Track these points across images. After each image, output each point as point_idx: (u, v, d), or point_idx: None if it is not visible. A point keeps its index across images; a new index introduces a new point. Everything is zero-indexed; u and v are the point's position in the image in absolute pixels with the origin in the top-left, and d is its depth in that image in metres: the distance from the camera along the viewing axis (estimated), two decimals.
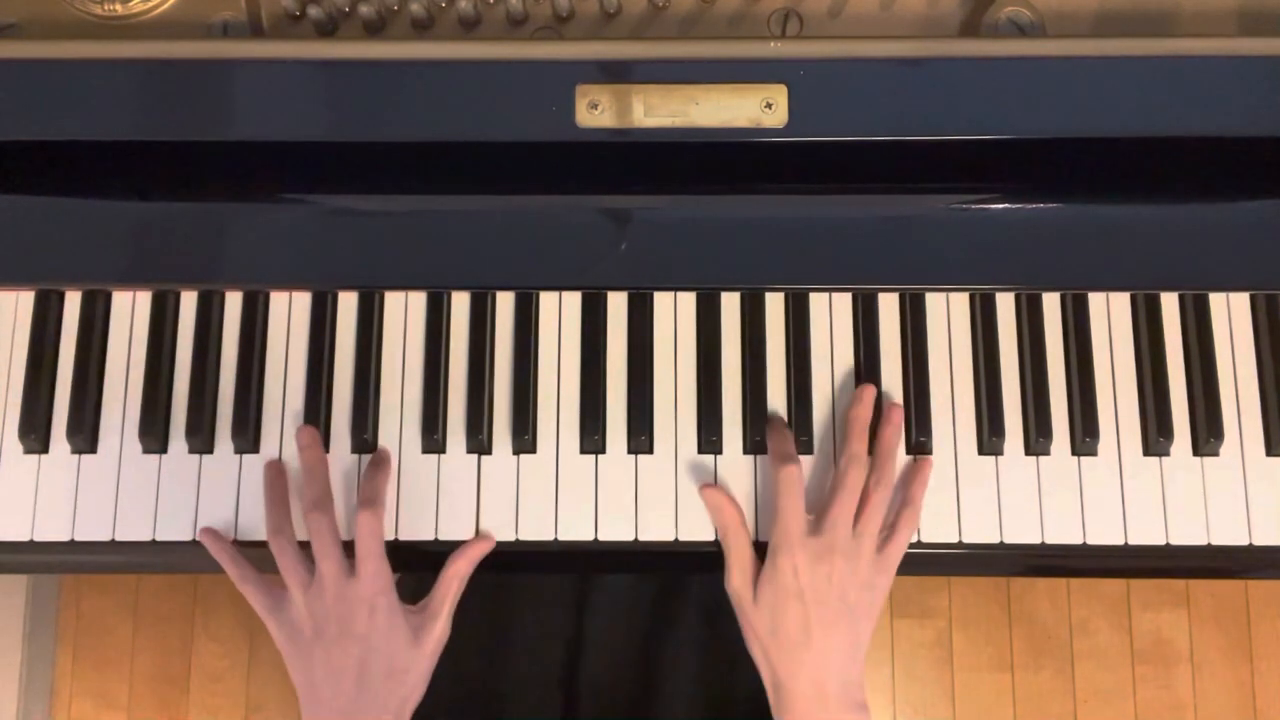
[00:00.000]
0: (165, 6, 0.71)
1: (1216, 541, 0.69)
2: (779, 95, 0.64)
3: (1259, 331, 0.72)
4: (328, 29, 0.71)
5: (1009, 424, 0.70)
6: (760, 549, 0.66)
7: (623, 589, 0.85)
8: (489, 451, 0.70)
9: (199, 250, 0.70)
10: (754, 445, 0.70)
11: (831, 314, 0.72)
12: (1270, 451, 0.70)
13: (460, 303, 0.72)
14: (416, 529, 0.69)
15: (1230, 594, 1.56)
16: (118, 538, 0.69)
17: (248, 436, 0.70)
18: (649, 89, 0.65)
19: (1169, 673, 1.54)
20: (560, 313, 0.72)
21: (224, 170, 0.70)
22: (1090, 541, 0.69)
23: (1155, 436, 0.70)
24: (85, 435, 0.70)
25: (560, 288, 0.72)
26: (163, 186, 0.70)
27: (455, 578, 0.66)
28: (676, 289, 0.72)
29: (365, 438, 0.70)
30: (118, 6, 0.70)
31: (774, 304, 0.72)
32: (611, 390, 0.71)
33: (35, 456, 0.70)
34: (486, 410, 0.70)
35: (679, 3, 0.71)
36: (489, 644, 0.81)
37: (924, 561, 0.70)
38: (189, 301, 0.72)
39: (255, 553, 0.67)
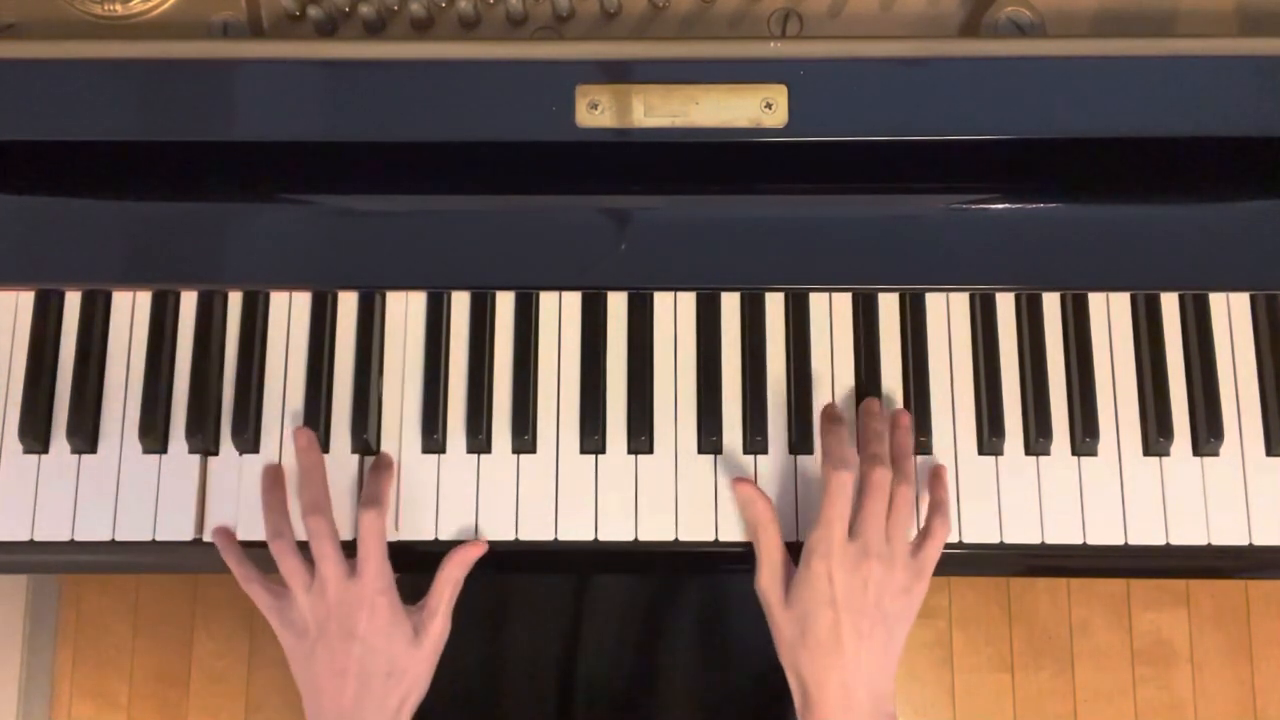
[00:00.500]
0: (165, 6, 0.71)
1: (1216, 541, 0.69)
2: (779, 95, 0.64)
3: (1259, 331, 0.72)
4: (328, 29, 0.71)
5: (1009, 424, 0.70)
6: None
7: (621, 589, 0.85)
8: (489, 451, 0.70)
9: (199, 250, 0.70)
10: (754, 445, 0.70)
11: (831, 314, 0.72)
12: (1270, 451, 0.70)
13: (460, 303, 0.72)
14: (416, 529, 0.69)
15: (1230, 594, 1.56)
16: (118, 538, 0.69)
17: (248, 436, 0.70)
18: (649, 89, 0.65)
19: (1169, 673, 1.54)
20: (560, 313, 0.72)
21: (224, 170, 0.70)
22: (1090, 541, 0.69)
23: (1155, 436, 0.70)
24: (85, 435, 0.70)
25: (560, 288, 0.72)
26: (163, 186, 0.70)
27: (448, 582, 0.66)
28: (676, 289, 0.72)
29: (365, 438, 0.70)
30: (118, 6, 0.70)
31: (774, 304, 0.72)
32: (611, 390, 0.71)
33: (35, 456, 0.70)
34: (486, 410, 0.70)
35: (679, 3, 0.71)
36: (487, 643, 0.81)
37: None
38: (189, 301, 0.72)
39: (255, 553, 0.67)
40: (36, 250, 0.69)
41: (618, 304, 0.72)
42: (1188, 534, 0.69)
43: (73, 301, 0.72)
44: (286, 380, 0.71)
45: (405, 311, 0.72)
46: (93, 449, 0.70)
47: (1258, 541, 0.69)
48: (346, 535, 0.69)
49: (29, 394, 0.71)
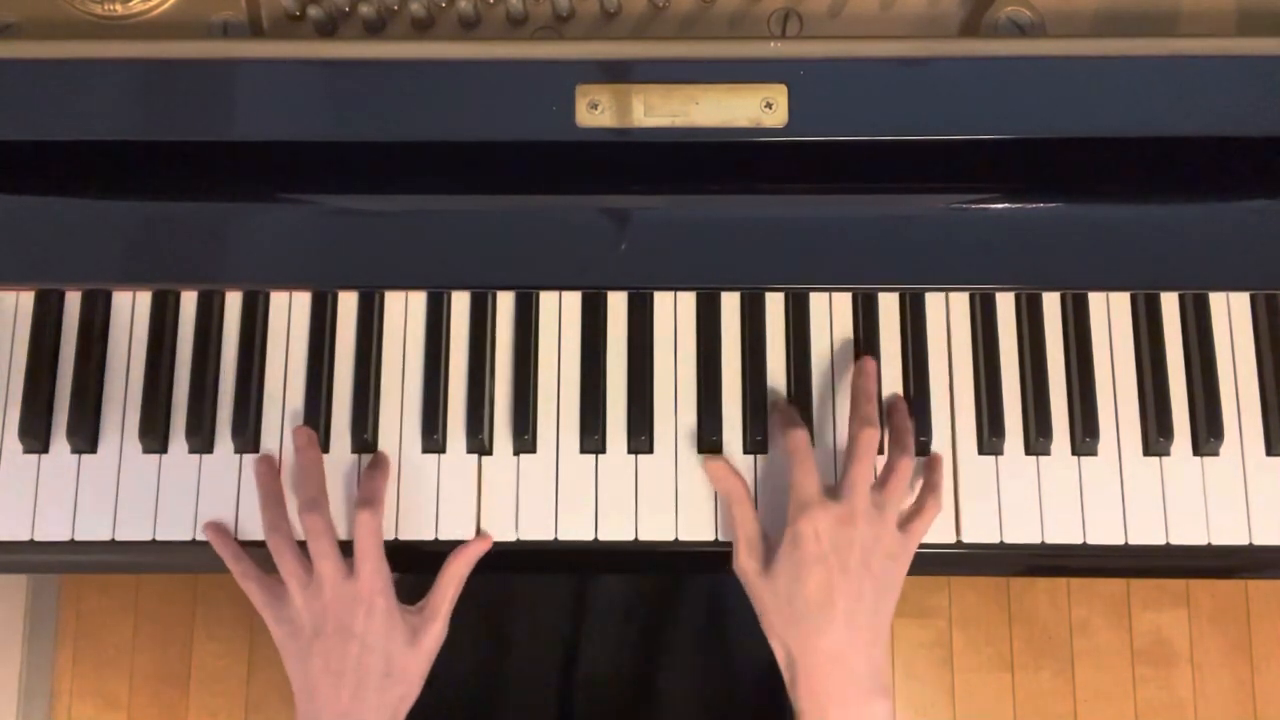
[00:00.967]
0: (165, 6, 0.71)
1: (1216, 541, 0.69)
2: (779, 95, 0.64)
3: (1259, 331, 0.72)
4: (328, 29, 0.71)
5: (1009, 424, 0.70)
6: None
7: (621, 589, 0.85)
8: (489, 451, 0.70)
9: (199, 250, 0.70)
10: (754, 445, 0.70)
11: (831, 314, 0.72)
12: (1270, 451, 0.70)
13: (460, 303, 0.72)
14: (416, 529, 0.69)
15: (1230, 594, 1.56)
16: (118, 538, 0.69)
17: (248, 436, 0.70)
18: (649, 89, 0.65)
19: (1169, 673, 1.54)
20: (560, 313, 0.72)
21: (224, 170, 0.70)
22: (1090, 541, 0.69)
23: (1155, 436, 0.70)
24: (85, 435, 0.70)
25: (560, 287, 0.72)
26: (163, 186, 0.70)
27: (453, 579, 0.66)
28: (676, 289, 0.72)
29: (365, 438, 0.70)
30: (118, 6, 0.70)
31: (774, 304, 0.72)
32: (611, 390, 0.71)
33: (35, 456, 0.70)
34: (486, 410, 0.70)
35: (679, 3, 0.71)
36: (486, 643, 0.81)
37: (924, 561, 0.70)
38: (189, 301, 0.72)
39: (253, 552, 0.67)
40: (36, 250, 0.69)
41: (618, 304, 0.72)
42: (1188, 534, 0.69)
43: (73, 301, 0.72)
44: (286, 380, 0.71)
45: (405, 311, 0.72)
46: (93, 449, 0.70)
47: (1258, 541, 0.69)
48: (345, 535, 0.69)
49: (29, 394, 0.71)
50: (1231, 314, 0.72)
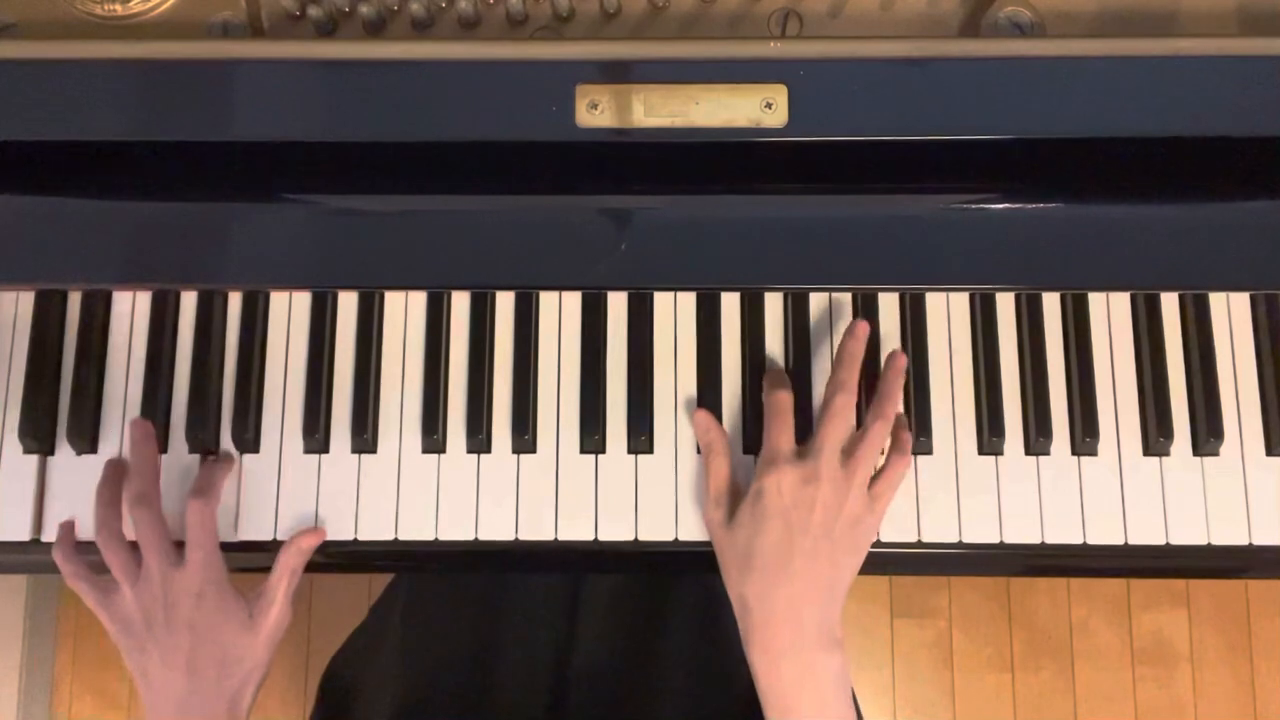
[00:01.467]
0: (165, 6, 0.71)
1: (1216, 541, 0.69)
2: (779, 95, 0.64)
3: (1259, 331, 0.72)
4: (328, 29, 0.71)
5: (1009, 424, 0.70)
6: None
7: (618, 590, 0.84)
8: (489, 451, 0.70)
9: (199, 250, 0.70)
10: (754, 445, 0.70)
11: (831, 314, 0.72)
12: (1270, 451, 0.70)
13: (460, 303, 0.72)
14: (416, 529, 0.69)
15: (1230, 594, 1.56)
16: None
17: (248, 436, 0.70)
18: (649, 89, 0.65)
19: (1169, 673, 1.54)
20: (560, 313, 0.72)
21: (224, 170, 0.70)
22: (1090, 541, 0.69)
23: (1155, 436, 0.70)
24: (85, 435, 0.70)
25: (560, 288, 0.72)
26: (163, 186, 0.70)
27: (286, 568, 0.67)
28: (676, 289, 0.72)
29: (365, 438, 0.70)
30: (118, 6, 0.70)
31: (774, 304, 0.72)
32: (611, 390, 0.71)
33: (35, 456, 0.70)
34: (486, 410, 0.70)
35: (679, 3, 0.71)
36: (483, 643, 0.81)
37: (924, 561, 0.70)
38: (189, 301, 0.72)
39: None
40: (36, 250, 0.69)
41: (618, 304, 0.72)
42: (1188, 534, 0.69)
43: (73, 301, 0.72)
44: (286, 380, 0.71)
45: (405, 311, 0.72)
46: (93, 449, 0.70)
47: (1258, 541, 0.69)
48: (350, 536, 0.69)
49: (29, 394, 0.71)
50: (1231, 314, 0.72)
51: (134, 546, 0.65)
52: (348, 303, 0.72)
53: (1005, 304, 0.72)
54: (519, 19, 0.71)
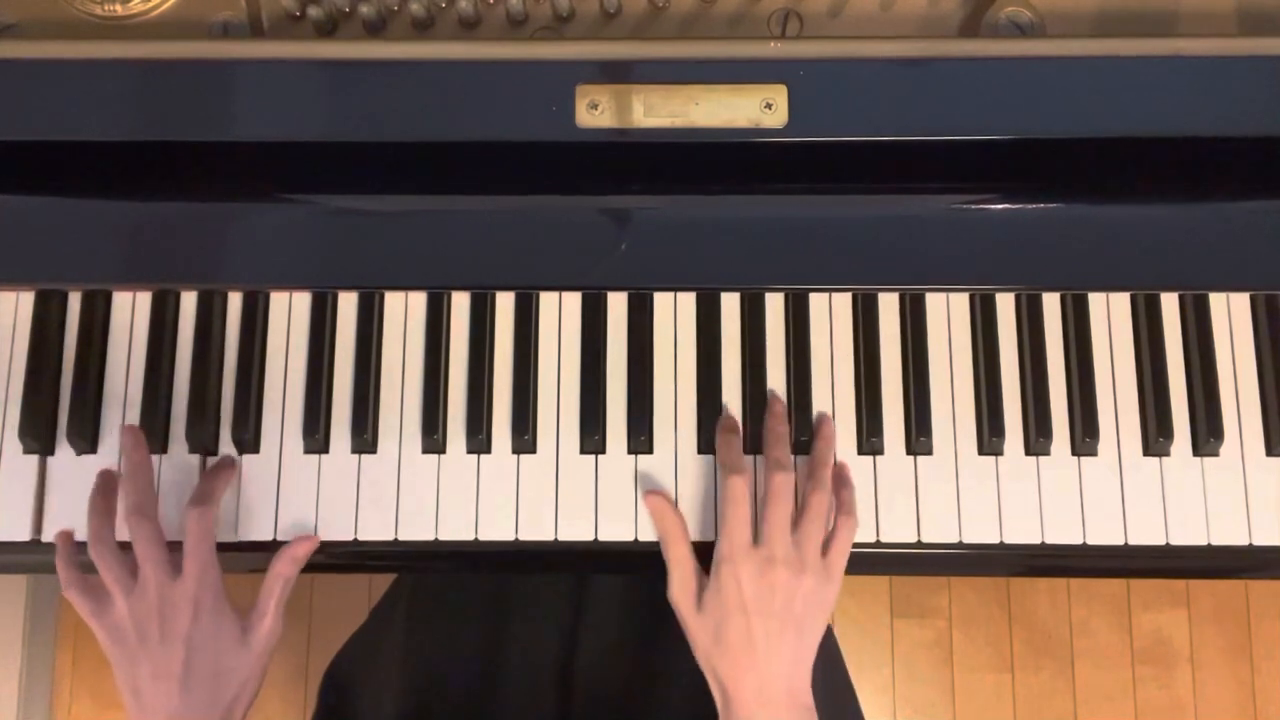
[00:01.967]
0: (165, 6, 0.71)
1: (1216, 541, 0.69)
2: (779, 95, 0.64)
3: (1259, 331, 0.72)
4: (328, 29, 0.71)
5: (1009, 424, 0.70)
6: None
7: (622, 590, 0.84)
8: (489, 451, 0.70)
9: (199, 250, 0.70)
10: (755, 445, 0.70)
11: (831, 314, 0.72)
12: (1270, 451, 0.70)
13: (460, 303, 0.72)
14: (416, 529, 0.69)
15: (1230, 594, 1.56)
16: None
17: (247, 436, 0.70)
18: (649, 89, 0.65)
19: (1169, 673, 1.54)
20: (560, 313, 0.72)
21: (224, 170, 0.70)
22: (1090, 541, 0.69)
23: (1155, 436, 0.70)
24: (85, 435, 0.70)
25: (560, 288, 0.72)
26: (163, 186, 0.70)
27: (279, 578, 0.66)
28: (676, 289, 0.72)
29: (365, 438, 0.70)
30: (118, 6, 0.70)
31: (774, 304, 0.72)
32: (611, 390, 0.71)
33: (35, 456, 0.70)
34: (486, 410, 0.70)
35: (679, 3, 0.71)
36: (487, 644, 0.81)
37: (924, 562, 0.70)
38: (189, 301, 0.72)
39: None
40: (36, 250, 0.70)
41: (618, 304, 0.72)
42: (1188, 534, 0.69)
43: (73, 301, 0.72)
44: (286, 380, 0.71)
45: (405, 311, 0.72)
46: (93, 449, 0.70)
47: (1258, 541, 0.69)
48: (346, 536, 0.69)
49: (29, 394, 0.71)
50: (1231, 314, 0.72)
51: (128, 554, 0.64)
52: (348, 303, 0.72)
53: (1005, 304, 0.72)
54: (519, 19, 0.71)
